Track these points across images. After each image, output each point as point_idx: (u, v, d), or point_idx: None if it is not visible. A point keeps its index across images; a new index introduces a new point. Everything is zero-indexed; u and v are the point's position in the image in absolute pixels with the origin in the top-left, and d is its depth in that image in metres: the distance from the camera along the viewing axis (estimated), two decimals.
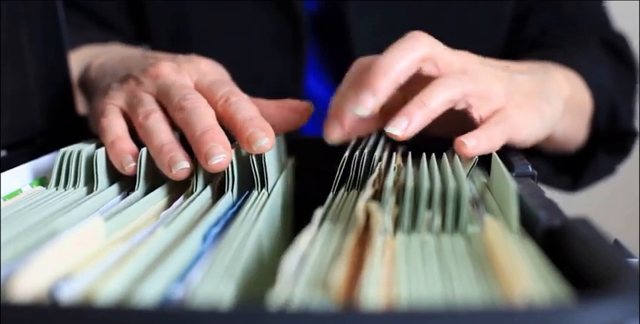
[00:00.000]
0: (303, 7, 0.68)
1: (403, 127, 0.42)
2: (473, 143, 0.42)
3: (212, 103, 0.45)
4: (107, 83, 0.50)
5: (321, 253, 0.30)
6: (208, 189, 0.41)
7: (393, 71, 0.43)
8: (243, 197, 0.41)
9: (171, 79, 0.46)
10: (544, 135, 0.50)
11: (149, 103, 0.45)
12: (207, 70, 0.49)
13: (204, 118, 0.42)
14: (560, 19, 0.71)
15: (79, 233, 0.29)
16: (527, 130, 0.47)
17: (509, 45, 0.72)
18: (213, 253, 0.31)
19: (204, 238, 0.33)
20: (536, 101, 0.48)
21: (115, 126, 0.45)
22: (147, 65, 0.48)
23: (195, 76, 0.47)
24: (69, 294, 0.25)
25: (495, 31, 0.71)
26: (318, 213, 0.35)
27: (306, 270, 0.28)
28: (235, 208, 0.39)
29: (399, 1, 0.68)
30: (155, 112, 0.44)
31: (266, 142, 0.41)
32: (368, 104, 0.43)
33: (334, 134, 0.47)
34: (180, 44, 0.71)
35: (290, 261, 0.28)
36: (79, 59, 0.64)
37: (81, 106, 0.62)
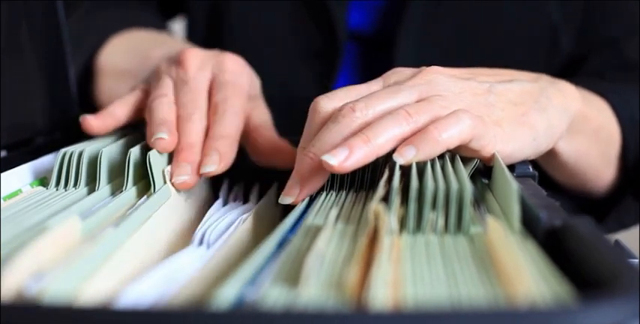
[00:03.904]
0: (345, 22, 0.65)
1: (342, 158, 0.37)
2: (412, 153, 0.38)
3: (211, 101, 0.47)
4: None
5: (334, 253, 0.30)
6: (134, 188, 0.41)
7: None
8: (309, 201, 0.40)
9: (190, 76, 0.48)
10: (544, 148, 0.45)
11: (164, 88, 0.47)
12: (230, 68, 0.49)
13: (189, 134, 0.44)
14: (619, 63, 0.63)
15: (54, 233, 0.30)
16: (501, 146, 0.41)
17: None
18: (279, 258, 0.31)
19: (280, 243, 0.33)
20: (526, 112, 0.43)
21: (120, 107, 0.48)
22: (179, 50, 0.50)
23: (215, 71, 0.49)
24: (43, 293, 0.25)
25: (537, 54, 0.65)
26: (333, 213, 0.35)
27: (322, 270, 0.28)
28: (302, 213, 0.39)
29: (450, 19, 0.65)
30: (165, 96, 0.46)
31: (214, 169, 0.43)
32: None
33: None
34: (213, 40, 0.71)
35: (311, 261, 0.28)
36: (134, 44, 0.66)
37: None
